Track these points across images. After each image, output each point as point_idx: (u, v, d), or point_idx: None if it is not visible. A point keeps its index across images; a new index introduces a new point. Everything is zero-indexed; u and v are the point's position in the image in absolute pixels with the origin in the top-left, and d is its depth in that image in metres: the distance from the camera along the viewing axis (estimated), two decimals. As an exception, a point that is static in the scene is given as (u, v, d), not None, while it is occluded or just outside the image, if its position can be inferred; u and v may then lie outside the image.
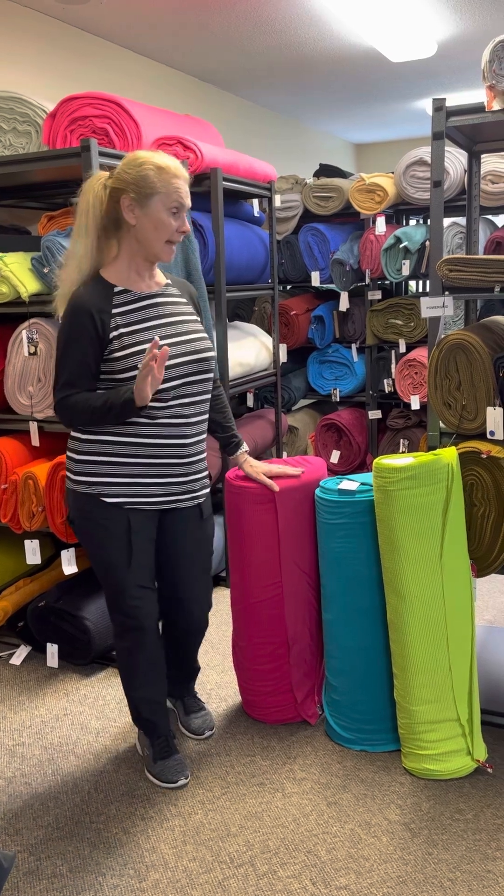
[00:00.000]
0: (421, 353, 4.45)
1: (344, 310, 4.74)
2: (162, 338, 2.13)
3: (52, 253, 2.82)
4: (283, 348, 4.35)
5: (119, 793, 2.34)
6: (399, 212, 5.04)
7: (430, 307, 2.44)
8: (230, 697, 2.84)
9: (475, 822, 2.15)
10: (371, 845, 2.08)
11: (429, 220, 4.35)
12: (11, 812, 2.28)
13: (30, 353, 3.00)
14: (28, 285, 2.89)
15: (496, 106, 2.33)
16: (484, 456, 2.34)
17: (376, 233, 4.48)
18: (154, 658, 2.32)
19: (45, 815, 2.26)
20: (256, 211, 4.23)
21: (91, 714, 2.77)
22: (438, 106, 2.40)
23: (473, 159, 2.98)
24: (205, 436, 2.31)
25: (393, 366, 4.64)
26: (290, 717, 2.65)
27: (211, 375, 2.26)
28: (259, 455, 4.29)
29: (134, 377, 2.08)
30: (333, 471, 4.92)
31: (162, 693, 2.38)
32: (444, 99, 2.40)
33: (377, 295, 4.64)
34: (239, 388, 3.82)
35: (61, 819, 2.24)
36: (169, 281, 2.29)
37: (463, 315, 4.58)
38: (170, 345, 2.14)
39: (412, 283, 5.73)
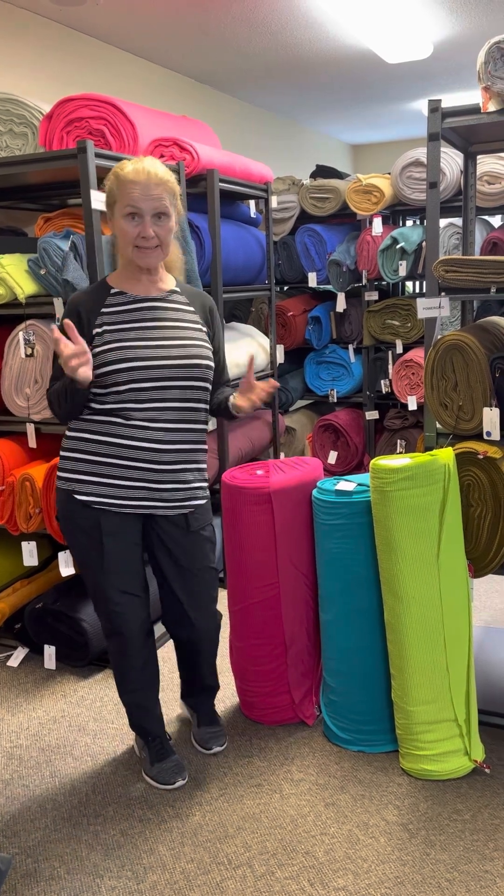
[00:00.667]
0: (418, 354, 4.45)
1: (341, 310, 4.74)
2: (144, 339, 2.13)
3: (48, 254, 2.82)
4: (280, 349, 4.35)
5: (117, 794, 2.34)
6: (395, 213, 5.05)
7: (427, 308, 2.44)
8: (228, 699, 2.84)
9: (473, 823, 2.15)
10: (369, 846, 2.08)
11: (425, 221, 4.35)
12: (9, 814, 2.27)
13: (26, 355, 3.00)
14: (25, 287, 2.89)
15: (492, 107, 2.33)
16: (480, 456, 2.34)
17: (373, 234, 4.49)
18: (138, 665, 2.30)
19: (43, 817, 2.26)
20: (253, 212, 4.23)
21: (88, 716, 2.76)
22: (434, 107, 2.40)
23: (469, 160, 2.98)
24: (192, 446, 2.22)
25: (390, 366, 4.64)
26: (287, 718, 2.65)
27: (198, 384, 2.19)
28: (256, 456, 4.29)
29: (108, 373, 2.10)
30: (331, 472, 4.92)
31: (149, 700, 2.37)
32: (440, 100, 2.41)
33: (374, 296, 4.65)
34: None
35: (59, 821, 2.24)
36: (177, 288, 2.27)
37: (459, 316, 4.58)
38: (150, 347, 2.13)
39: (409, 284, 5.74)
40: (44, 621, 3.10)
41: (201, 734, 2.54)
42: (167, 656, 3.15)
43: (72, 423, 2.22)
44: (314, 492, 2.52)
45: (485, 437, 2.39)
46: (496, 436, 2.36)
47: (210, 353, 2.23)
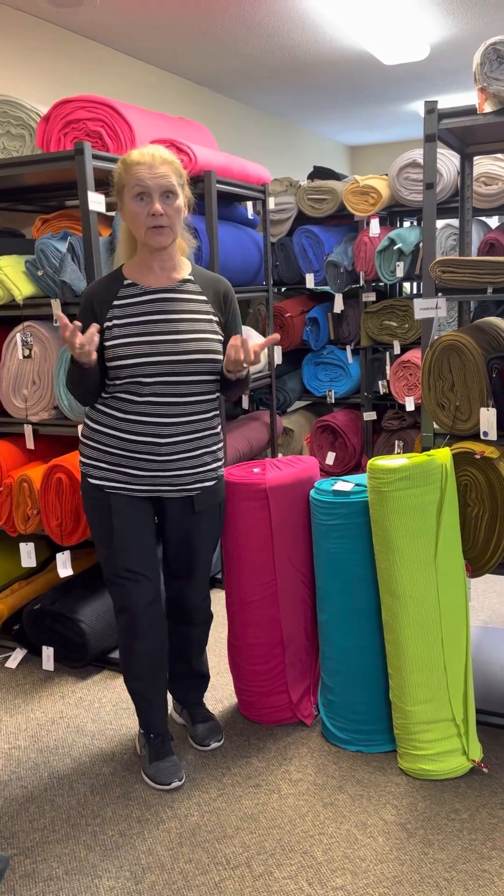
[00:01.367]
0: (415, 355, 4.46)
1: (338, 311, 4.75)
2: (147, 334, 2.16)
3: (46, 256, 2.82)
4: (277, 350, 4.36)
5: (115, 795, 2.34)
6: (393, 214, 5.06)
7: (424, 308, 2.45)
8: (226, 699, 2.84)
9: (471, 822, 2.16)
10: (367, 846, 2.09)
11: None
12: (7, 815, 2.28)
13: (24, 356, 3.00)
14: (22, 288, 2.90)
15: (488, 108, 2.34)
16: (478, 456, 2.35)
17: (370, 235, 4.49)
18: (143, 648, 2.33)
19: (41, 817, 2.26)
20: (250, 213, 4.24)
21: (87, 717, 2.76)
22: (430, 108, 2.41)
23: (466, 161, 2.99)
24: (196, 435, 2.25)
25: (387, 367, 4.65)
26: (285, 718, 2.66)
27: (203, 378, 2.21)
28: (254, 457, 4.29)
29: (119, 367, 2.17)
30: (328, 472, 4.93)
31: (154, 692, 2.38)
32: (437, 101, 2.41)
33: (371, 297, 4.65)
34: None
35: (57, 822, 2.24)
36: (191, 277, 2.27)
37: (457, 316, 4.59)
38: (151, 343, 2.16)
39: (406, 285, 5.74)
40: (42, 622, 3.10)
41: (195, 731, 2.55)
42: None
43: (87, 412, 2.32)
44: (312, 492, 2.52)
45: (482, 437, 2.39)
46: (493, 436, 2.37)
47: (218, 346, 2.24)
